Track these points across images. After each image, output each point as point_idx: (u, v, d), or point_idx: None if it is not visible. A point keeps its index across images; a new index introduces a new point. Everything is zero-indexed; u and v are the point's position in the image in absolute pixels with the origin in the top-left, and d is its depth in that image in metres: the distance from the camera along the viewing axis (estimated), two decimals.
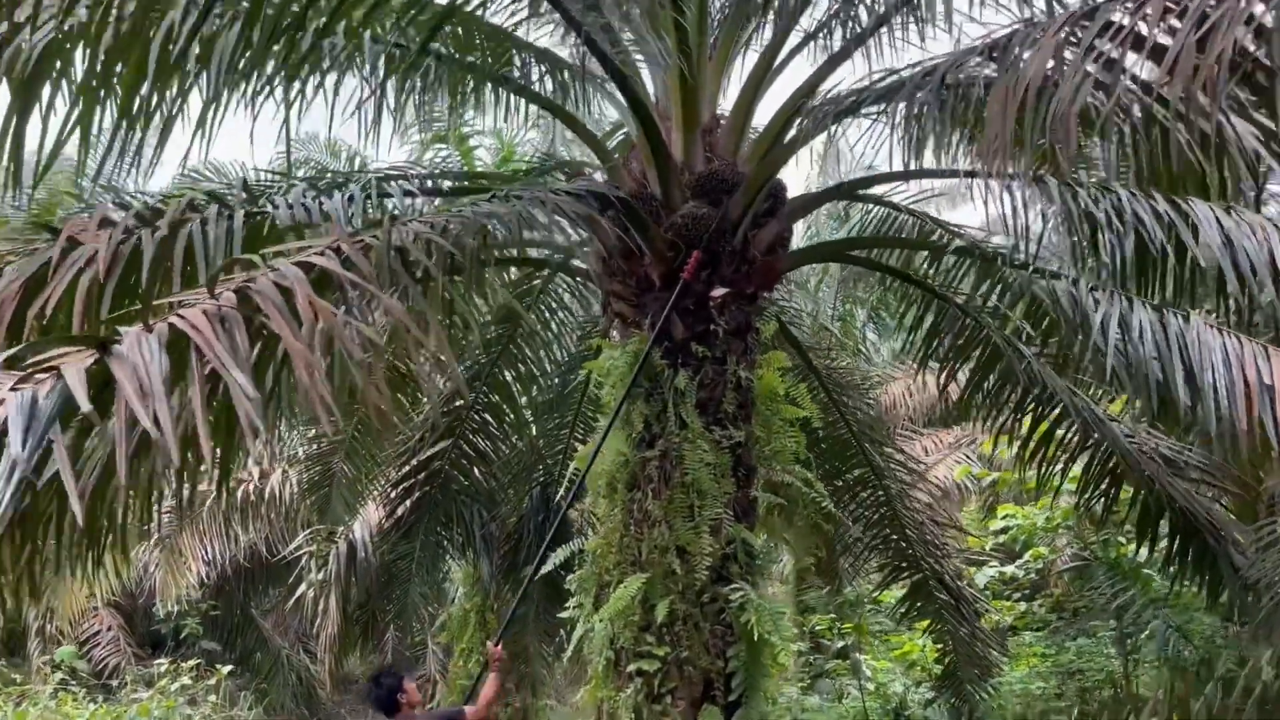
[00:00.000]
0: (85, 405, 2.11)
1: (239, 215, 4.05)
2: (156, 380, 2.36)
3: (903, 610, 8.48)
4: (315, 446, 8.81)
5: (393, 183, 5.18)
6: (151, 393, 2.32)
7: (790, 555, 11.81)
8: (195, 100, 4.24)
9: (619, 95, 5.65)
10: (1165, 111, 4.37)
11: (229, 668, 11.86)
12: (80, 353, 2.50)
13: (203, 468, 3.59)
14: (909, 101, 4.03)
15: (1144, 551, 7.39)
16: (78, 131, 3.95)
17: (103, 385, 2.63)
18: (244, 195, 4.57)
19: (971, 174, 4.96)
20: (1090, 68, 3.48)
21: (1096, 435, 6.17)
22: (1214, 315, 4.95)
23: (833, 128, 4.53)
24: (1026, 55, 3.36)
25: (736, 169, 5.34)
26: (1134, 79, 3.64)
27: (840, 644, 9.92)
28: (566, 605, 5.59)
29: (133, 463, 3.33)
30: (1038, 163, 5.42)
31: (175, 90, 3.94)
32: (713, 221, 5.15)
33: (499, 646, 5.01)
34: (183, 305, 2.80)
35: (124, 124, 3.89)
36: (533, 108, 6.93)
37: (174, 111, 3.83)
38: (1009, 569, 9.42)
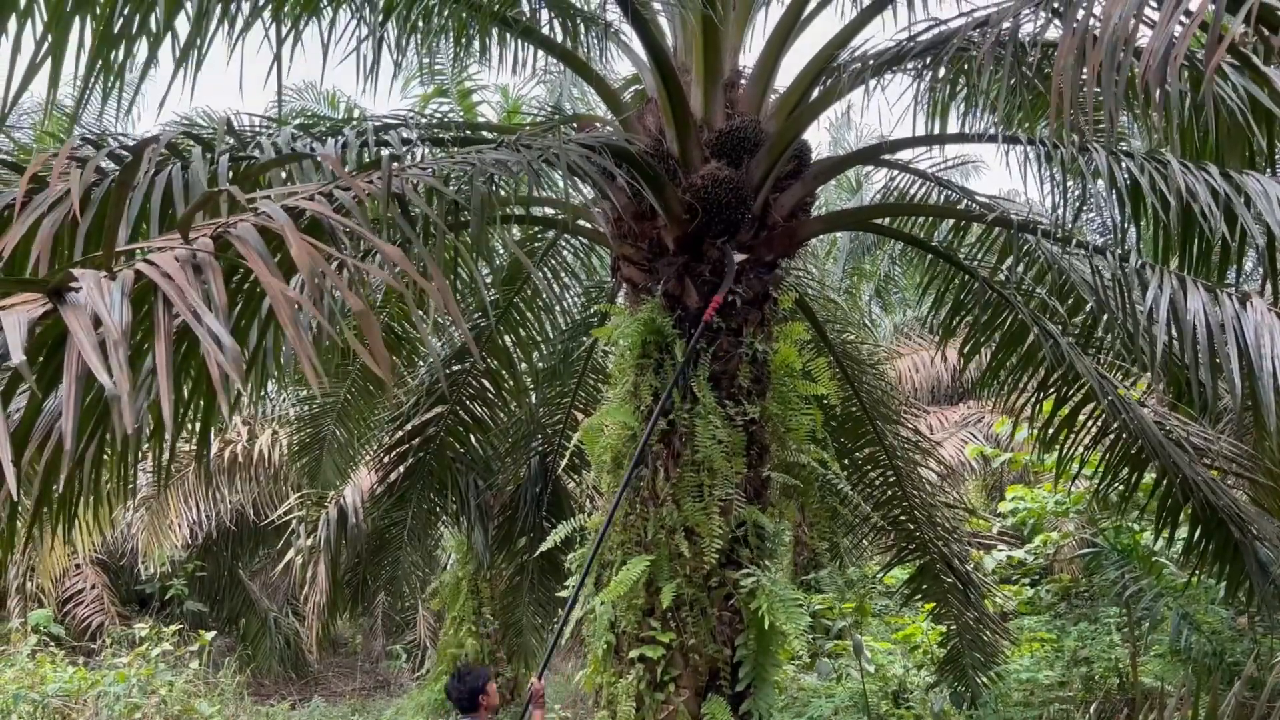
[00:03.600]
0: (18, 356, 1.81)
1: (223, 160, 3.73)
2: (116, 332, 2.05)
3: (908, 592, 8.25)
4: (306, 408, 8.53)
5: (391, 132, 4.84)
6: (110, 346, 2.00)
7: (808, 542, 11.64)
8: (183, 31, 3.92)
9: (634, 45, 5.30)
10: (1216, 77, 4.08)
11: (213, 634, 11.64)
12: (30, 300, 2.18)
13: (176, 431, 3.30)
14: (957, 56, 3.68)
15: (1159, 540, 7.15)
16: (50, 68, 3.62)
17: (60, 339, 2.34)
18: (229, 139, 4.23)
19: (1013, 139, 4.65)
20: (1155, 19, 3.17)
21: (1124, 418, 5.89)
22: (1261, 296, 4.67)
23: (871, 82, 4.18)
24: (1097, 9, 3.01)
25: (759, 127, 5.01)
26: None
27: (841, 624, 9.69)
28: (565, 583, 5.33)
29: (96, 423, 3.04)
30: (1095, 123, 5.11)
31: (160, 15, 3.59)
32: (734, 183, 4.82)
33: (541, 680, 4.77)
34: (153, 251, 2.48)
35: (103, 52, 3.55)
36: (539, 60, 6.58)
37: (157, 36, 3.47)
38: (1018, 553, 9.18)
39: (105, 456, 3.30)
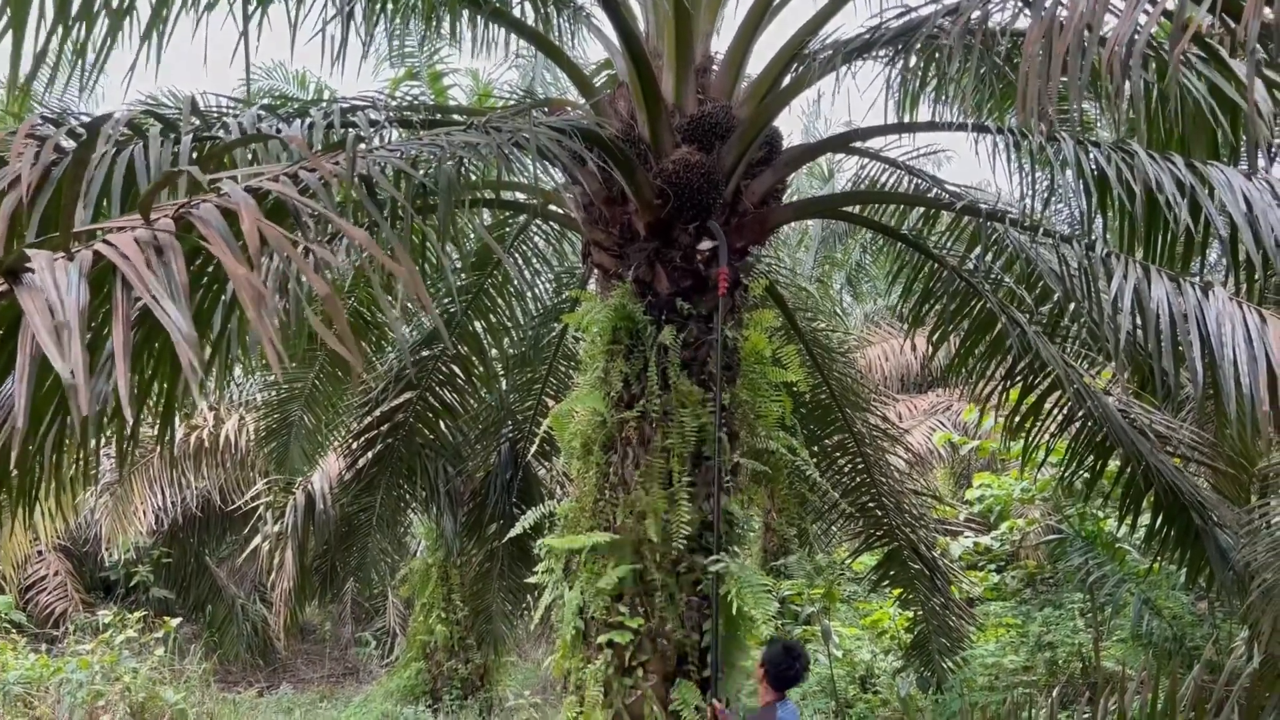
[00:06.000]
0: None
1: (186, 139, 3.66)
2: (72, 314, 2.01)
3: (876, 578, 8.31)
4: (274, 393, 8.43)
5: (359, 113, 4.78)
6: (65, 328, 1.96)
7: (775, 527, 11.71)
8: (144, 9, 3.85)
9: (606, 29, 5.27)
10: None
11: (178, 620, 11.51)
12: None
13: (137, 415, 3.26)
14: (928, 43, 3.68)
15: (1123, 526, 7.26)
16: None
17: (16, 321, 2.29)
18: (194, 120, 4.15)
19: (982, 128, 4.67)
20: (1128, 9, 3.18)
21: (1089, 406, 5.95)
22: (1225, 286, 4.72)
23: (842, 68, 4.18)
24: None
25: (731, 112, 5.00)
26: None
27: (809, 610, 9.76)
28: (534, 570, 5.32)
29: (56, 407, 2.99)
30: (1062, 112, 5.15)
31: None
32: (705, 168, 4.81)
33: (720, 701, 4.48)
34: (112, 231, 2.43)
35: (61, 27, 3.47)
36: (511, 43, 6.53)
37: (118, 12, 3.40)
38: (985, 540, 9.28)
39: (66, 441, 3.25)
